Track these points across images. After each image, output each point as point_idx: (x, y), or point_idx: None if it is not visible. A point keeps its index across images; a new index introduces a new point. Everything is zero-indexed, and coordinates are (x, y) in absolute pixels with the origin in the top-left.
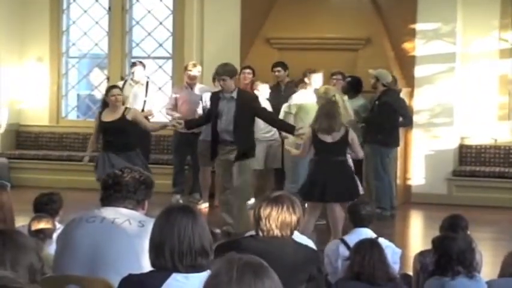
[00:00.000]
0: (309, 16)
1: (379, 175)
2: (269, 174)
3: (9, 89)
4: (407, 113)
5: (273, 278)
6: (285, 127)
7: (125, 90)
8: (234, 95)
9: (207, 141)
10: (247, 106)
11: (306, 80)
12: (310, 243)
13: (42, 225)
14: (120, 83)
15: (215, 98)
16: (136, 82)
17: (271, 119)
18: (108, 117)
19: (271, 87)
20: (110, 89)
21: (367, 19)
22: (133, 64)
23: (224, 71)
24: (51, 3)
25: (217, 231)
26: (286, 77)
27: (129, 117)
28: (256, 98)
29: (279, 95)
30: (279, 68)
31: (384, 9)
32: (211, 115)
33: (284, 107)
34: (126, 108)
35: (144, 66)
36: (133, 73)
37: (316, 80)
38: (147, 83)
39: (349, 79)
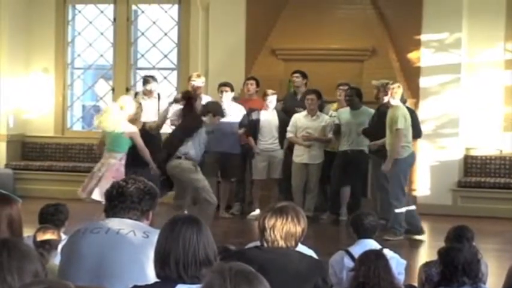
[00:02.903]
0: (314, 27)
1: (382, 186)
2: (272, 184)
3: (15, 100)
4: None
5: (265, 284)
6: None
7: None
8: None
9: (212, 152)
10: None
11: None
12: (313, 254)
13: (48, 236)
14: (131, 95)
15: None
16: (150, 97)
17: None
18: None
19: (288, 95)
20: None
21: (373, 30)
22: (147, 80)
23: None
24: (56, 15)
25: (232, 247)
26: (304, 86)
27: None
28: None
29: (295, 103)
30: (298, 74)
31: (389, 20)
32: None
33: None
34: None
35: (156, 80)
36: (145, 87)
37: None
38: (159, 95)
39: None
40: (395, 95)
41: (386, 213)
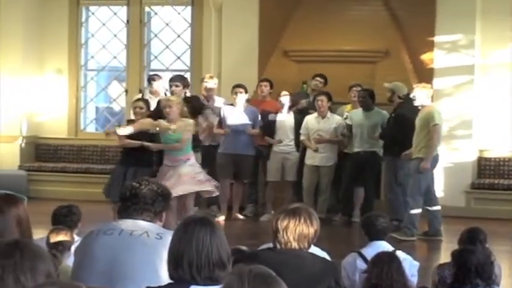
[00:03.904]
0: (327, 28)
1: (392, 188)
2: (286, 186)
3: (28, 102)
4: None
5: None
6: None
7: None
8: None
9: (225, 154)
10: None
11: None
12: (326, 256)
13: (61, 237)
14: (139, 96)
15: None
16: (156, 96)
17: None
18: None
19: (299, 95)
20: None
21: (386, 31)
22: (152, 79)
23: None
24: (70, 16)
25: (244, 248)
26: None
27: None
28: None
29: (308, 105)
30: (321, 79)
31: (402, 22)
32: None
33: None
34: None
35: (161, 78)
36: (151, 86)
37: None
38: (166, 95)
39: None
40: (430, 96)
41: (397, 214)
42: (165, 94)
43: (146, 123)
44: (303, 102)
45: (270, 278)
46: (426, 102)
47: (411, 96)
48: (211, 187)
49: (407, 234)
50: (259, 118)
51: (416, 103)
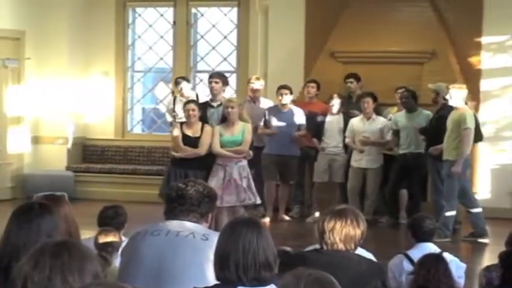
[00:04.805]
0: (373, 29)
1: (437, 189)
2: (334, 188)
3: (75, 103)
4: None
5: None
6: None
7: (177, 108)
8: None
9: (271, 155)
10: None
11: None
12: (372, 257)
13: (110, 238)
14: (171, 100)
15: None
16: (187, 98)
17: None
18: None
19: (342, 99)
20: (185, 103)
21: (433, 32)
22: (177, 82)
23: None
24: (116, 18)
25: (289, 249)
26: (359, 89)
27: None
28: None
29: (350, 106)
30: (352, 79)
31: (449, 23)
32: None
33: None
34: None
35: (188, 81)
36: (181, 90)
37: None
38: (197, 96)
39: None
40: (465, 97)
41: (439, 215)
42: (197, 96)
43: (209, 133)
44: (355, 112)
45: (328, 283)
46: (460, 103)
47: (446, 96)
48: (250, 198)
49: (441, 235)
50: (304, 119)
51: (450, 103)
